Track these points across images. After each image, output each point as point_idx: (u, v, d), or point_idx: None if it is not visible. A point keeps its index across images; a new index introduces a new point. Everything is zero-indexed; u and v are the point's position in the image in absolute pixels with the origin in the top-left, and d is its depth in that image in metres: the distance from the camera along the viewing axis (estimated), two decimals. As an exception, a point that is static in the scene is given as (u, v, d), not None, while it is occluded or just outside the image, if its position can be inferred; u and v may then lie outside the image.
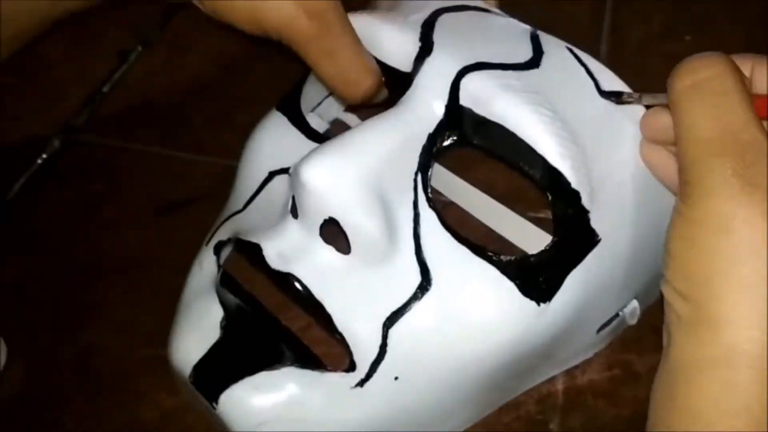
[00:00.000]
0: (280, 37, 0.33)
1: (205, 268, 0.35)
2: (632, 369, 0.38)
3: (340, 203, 0.30)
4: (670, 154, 0.32)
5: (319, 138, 0.36)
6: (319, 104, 0.40)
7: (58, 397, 0.39)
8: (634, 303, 0.36)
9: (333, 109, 0.41)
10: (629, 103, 0.33)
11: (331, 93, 0.39)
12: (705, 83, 0.26)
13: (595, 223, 0.32)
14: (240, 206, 0.36)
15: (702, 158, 0.26)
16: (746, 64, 0.29)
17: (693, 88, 0.27)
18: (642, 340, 0.39)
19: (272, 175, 0.36)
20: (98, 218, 0.45)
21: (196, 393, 0.33)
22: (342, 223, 0.31)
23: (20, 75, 0.52)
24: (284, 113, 0.38)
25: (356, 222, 0.31)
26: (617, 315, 0.36)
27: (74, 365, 0.40)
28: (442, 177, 0.40)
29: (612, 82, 0.34)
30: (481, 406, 0.36)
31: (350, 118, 0.42)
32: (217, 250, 0.35)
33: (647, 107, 0.32)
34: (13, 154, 0.48)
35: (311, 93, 0.40)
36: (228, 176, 0.47)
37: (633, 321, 0.37)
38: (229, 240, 0.35)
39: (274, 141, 0.37)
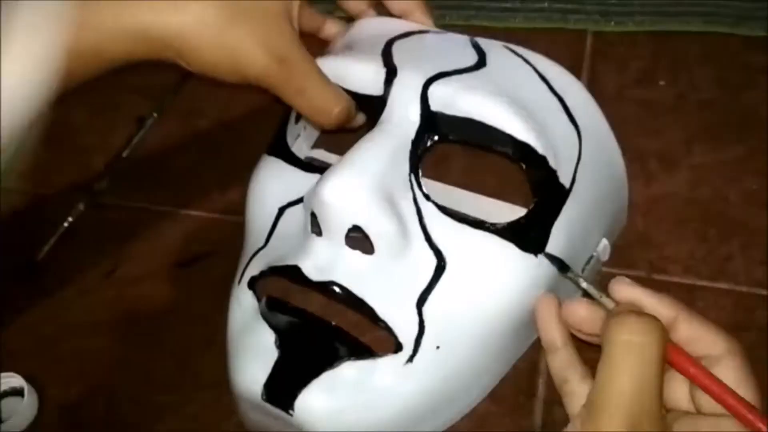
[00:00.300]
0: (258, 83, 0.38)
1: (243, 303, 0.40)
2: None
3: (361, 211, 0.36)
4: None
5: (314, 168, 0.41)
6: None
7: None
8: (605, 242, 0.43)
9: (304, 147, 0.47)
10: (569, 278, 0.38)
11: (310, 123, 0.45)
12: (637, 347, 0.32)
13: (562, 179, 0.39)
14: (261, 243, 0.41)
15: (610, 405, 0.32)
16: (673, 310, 0.35)
17: (627, 345, 0.32)
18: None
19: (282, 210, 0.41)
20: (119, 275, 0.50)
21: (269, 411, 0.37)
22: (365, 228, 0.36)
23: (47, 142, 0.56)
24: (276, 156, 0.43)
25: (377, 224, 0.36)
26: (593, 255, 0.42)
27: (99, 413, 0.44)
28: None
29: (547, 66, 0.41)
30: (508, 359, 0.42)
31: (320, 154, 0.47)
32: (251, 284, 0.40)
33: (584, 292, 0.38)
34: (40, 218, 0.53)
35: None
36: (237, 231, 0.51)
37: (605, 257, 0.43)
38: (261, 273, 0.39)
39: (274, 181, 0.42)
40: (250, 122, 0.56)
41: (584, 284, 0.37)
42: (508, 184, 0.47)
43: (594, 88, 0.44)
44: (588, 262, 0.42)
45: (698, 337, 0.34)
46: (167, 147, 0.56)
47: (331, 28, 0.46)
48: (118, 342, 0.47)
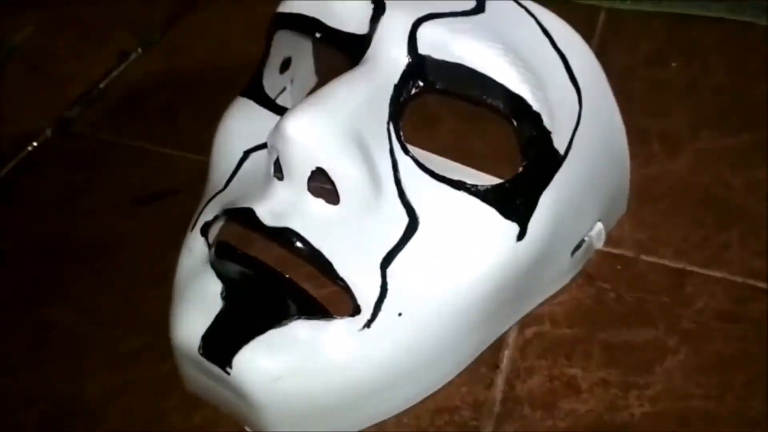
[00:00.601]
0: None
1: (194, 250, 0.37)
2: (574, 383, 0.37)
3: (326, 151, 0.32)
4: None
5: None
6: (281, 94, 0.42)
7: (9, 366, 0.40)
8: (599, 225, 0.40)
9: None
10: None
11: None
12: None
13: (557, 143, 0.35)
14: (221, 186, 0.38)
15: None
16: None
17: None
18: (590, 356, 0.38)
19: (247, 154, 0.38)
20: (76, 206, 0.48)
21: (207, 368, 0.33)
22: (329, 171, 0.33)
23: (27, 66, 0.55)
24: (249, 97, 0.40)
25: (343, 169, 0.33)
26: (585, 240, 0.39)
27: (30, 340, 0.41)
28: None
29: (551, 20, 0.37)
30: (480, 339, 0.38)
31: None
32: (204, 231, 0.37)
33: None
34: (8, 140, 0.51)
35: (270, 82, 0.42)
36: (204, 173, 0.48)
37: (599, 244, 0.40)
38: (215, 218, 0.36)
39: (243, 123, 0.39)
40: (237, 68, 0.54)
41: None
42: (497, 153, 0.44)
43: (601, 62, 0.41)
44: (578, 246, 0.39)
45: None
46: (147, 84, 0.54)
47: None
48: (65, 272, 0.45)
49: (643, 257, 0.42)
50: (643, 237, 0.42)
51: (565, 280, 0.41)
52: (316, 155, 0.32)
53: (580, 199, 0.37)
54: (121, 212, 0.47)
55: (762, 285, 0.40)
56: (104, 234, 0.46)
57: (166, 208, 0.47)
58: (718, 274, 0.41)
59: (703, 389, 0.37)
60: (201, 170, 0.49)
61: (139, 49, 0.54)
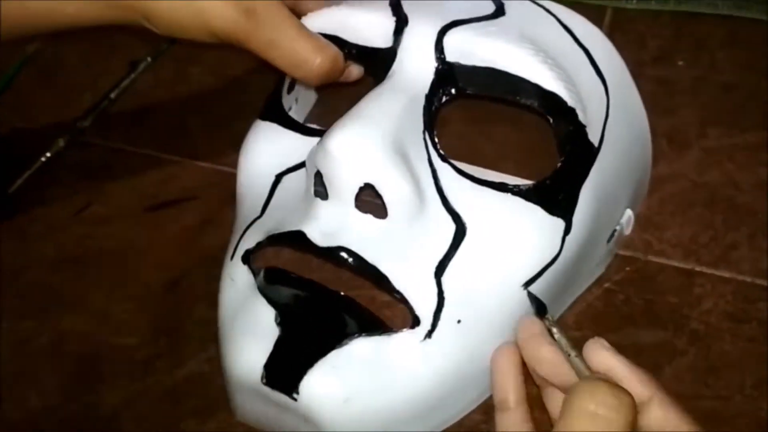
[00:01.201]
0: (228, 39, 0.36)
1: (238, 279, 0.36)
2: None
3: (373, 166, 0.32)
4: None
5: (315, 132, 0.38)
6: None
7: (27, 375, 0.41)
8: (629, 212, 0.40)
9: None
10: (545, 323, 0.34)
11: (296, 81, 0.42)
12: (603, 422, 0.28)
13: (591, 137, 0.36)
14: (257, 213, 0.37)
15: None
16: (648, 389, 0.31)
17: (592, 417, 0.28)
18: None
19: (279, 177, 0.37)
20: (90, 215, 0.48)
21: (270, 397, 0.33)
22: (378, 186, 0.32)
23: (39, 75, 0.56)
24: (271, 120, 0.39)
25: (392, 182, 0.32)
26: (617, 228, 0.39)
27: (47, 349, 0.42)
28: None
29: (570, 16, 0.38)
30: None
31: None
32: (246, 259, 0.36)
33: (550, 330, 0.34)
34: (22, 150, 0.51)
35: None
36: (216, 180, 0.49)
37: (628, 230, 0.41)
38: (258, 244, 0.35)
39: (270, 147, 0.38)
40: (247, 75, 0.54)
41: (557, 335, 0.33)
42: (506, 153, 0.44)
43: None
44: (612, 235, 0.39)
45: (671, 426, 0.30)
46: (158, 92, 0.54)
47: (309, 2, 0.42)
48: (80, 281, 0.45)
49: (651, 258, 0.42)
50: (651, 238, 0.43)
51: (601, 269, 0.41)
52: (363, 171, 0.32)
53: (614, 188, 0.38)
54: (135, 220, 0.47)
55: (769, 285, 0.40)
56: (118, 242, 0.46)
57: (179, 216, 0.46)
58: (726, 274, 0.41)
59: (712, 390, 0.37)
60: (212, 177, 0.50)
61: (149, 58, 0.55)
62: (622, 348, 0.38)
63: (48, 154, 0.50)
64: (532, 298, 0.34)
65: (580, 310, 0.40)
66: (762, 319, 0.39)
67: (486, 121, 0.46)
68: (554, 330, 0.33)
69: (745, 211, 0.43)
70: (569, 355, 0.32)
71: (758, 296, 0.40)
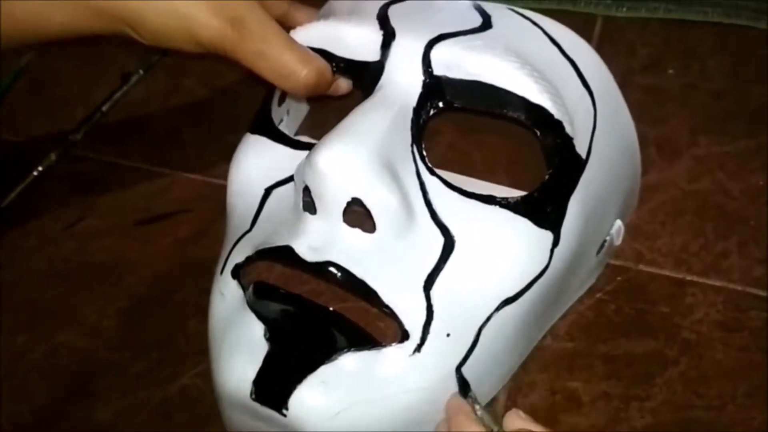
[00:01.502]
0: (215, 49, 0.36)
1: (227, 294, 0.36)
2: (576, 396, 0.38)
3: (361, 181, 0.32)
4: None
5: (304, 146, 0.38)
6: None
7: (21, 391, 0.41)
8: (618, 223, 0.40)
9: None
10: (468, 401, 0.34)
11: (285, 92, 0.42)
12: None
13: (579, 149, 0.36)
14: (247, 227, 0.37)
15: None
16: None
17: None
18: (591, 368, 0.38)
19: (269, 191, 0.37)
20: (82, 228, 0.48)
21: (258, 412, 0.33)
22: (365, 201, 0.32)
23: (31, 89, 0.56)
24: (261, 134, 0.39)
25: (380, 197, 0.33)
26: (606, 239, 0.40)
27: (40, 363, 0.42)
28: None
29: (556, 28, 0.38)
30: (524, 347, 0.39)
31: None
32: (235, 273, 0.36)
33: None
34: (14, 164, 0.52)
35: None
36: (208, 192, 0.49)
37: (619, 241, 0.41)
38: (247, 259, 0.35)
39: (259, 160, 0.38)
40: (238, 87, 0.55)
41: (480, 412, 0.33)
42: (497, 163, 0.44)
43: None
44: (602, 246, 0.39)
45: None
46: (149, 105, 0.54)
47: (298, 15, 0.43)
48: (72, 294, 0.45)
49: (642, 267, 0.42)
50: (642, 247, 0.43)
51: (592, 281, 0.41)
52: (351, 186, 0.32)
53: (602, 199, 0.38)
54: (126, 233, 0.47)
55: (762, 293, 0.40)
56: (110, 255, 0.46)
57: (171, 229, 0.47)
58: (717, 283, 0.41)
59: (704, 400, 0.37)
60: (204, 190, 0.50)
61: (141, 71, 0.55)
62: (613, 358, 0.38)
63: (40, 168, 0.50)
64: (458, 378, 0.34)
65: (572, 320, 0.40)
66: (753, 327, 0.39)
67: (477, 131, 0.46)
68: (476, 408, 0.33)
69: (736, 219, 0.43)
70: (492, 431, 0.32)
71: (749, 305, 0.40)
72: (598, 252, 0.39)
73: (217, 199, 0.46)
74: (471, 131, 0.46)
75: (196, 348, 0.41)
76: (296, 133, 0.44)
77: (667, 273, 0.42)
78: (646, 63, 0.52)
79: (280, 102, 0.42)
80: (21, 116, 0.55)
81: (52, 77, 0.57)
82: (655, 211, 0.44)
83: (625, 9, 0.55)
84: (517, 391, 0.38)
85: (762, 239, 0.42)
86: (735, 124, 0.48)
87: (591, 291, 0.41)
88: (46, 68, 0.58)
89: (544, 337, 0.39)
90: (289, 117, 0.44)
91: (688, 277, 0.41)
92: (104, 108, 0.53)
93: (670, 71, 0.51)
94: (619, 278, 0.41)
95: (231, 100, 0.54)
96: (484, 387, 0.36)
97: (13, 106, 0.56)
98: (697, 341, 0.39)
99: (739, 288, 0.41)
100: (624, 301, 0.41)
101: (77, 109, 0.54)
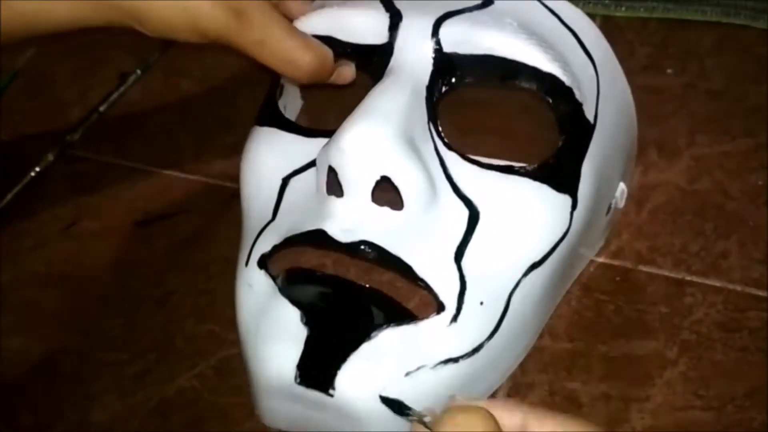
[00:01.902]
0: (218, 39, 0.36)
1: (255, 285, 0.36)
2: (575, 397, 0.37)
3: (388, 159, 0.33)
4: None
5: (316, 133, 0.38)
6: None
7: (18, 392, 0.41)
8: (622, 186, 0.41)
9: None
10: (410, 419, 0.30)
11: (286, 80, 0.42)
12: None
13: (587, 114, 0.37)
14: (269, 217, 0.37)
15: None
16: (515, 415, 0.28)
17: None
18: (590, 369, 0.38)
19: (286, 180, 0.38)
20: (79, 229, 0.48)
21: (303, 396, 0.33)
22: (394, 179, 0.33)
23: (28, 89, 0.56)
24: (269, 125, 0.40)
25: (407, 174, 0.33)
26: (611, 203, 0.41)
27: (38, 365, 0.42)
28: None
29: (552, 1, 0.39)
30: (548, 309, 0.40)
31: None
32: (261, 263, 0.36)
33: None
34: (11, 165, 0.52)
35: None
36: (205, 192, 0.49)
37: (622, 204, 0.42)
38: (274, 248, 0.35)
39: (272, 151, 0.39)
40: (235, 86, 0.55)
41: (427, 419, 0.29)
42: (506, 144, 0.43)
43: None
44: (609, 208, 0.40)
45: None
46: (147, 105, 0.54)
47: (291, 4, 0.42)
48: (69, 296, 0.45)
49: (642, 268, 0.42)
50: (641, 247, 0.43)
51: (601, 243, 0.42)
52: (378, 165, 0.33)
53: (609, 161, 0.39)
54: (125, 234, 0.47)
55: (762, 293, 0.40)
56: (108, 256, 0.46)
57: (169, 230, 0.47)
58: (717, 283, 0.41)
59: (703, 400, 0.37)
60: (201, 190, 0.49)
61: (138, 71, 0.55)
62: (613, 359, 0.38)
63: (37, 169, 0.50)
64: (383, 399, 0.33)
65: (572, 320, 0.40)
66: (753, 328, 0.39)
67: (484, 107, 0.45)
68: (426, 420, 0.29)
69: (736, 219, 0.43)
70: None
71: (749, 305, 0.40)
72: (607, 213, 0.40)
73: (214, 199, 0.46)
74: (479, 111, 0.46)
75: (193, 349, 0.41)
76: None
77: (666, 273, 0.41)
78: (645, 63, 0.52)
79: (279, 95, 0.42)
80: (18, 117, 0.55)
81: (49, 78, 0.58)
82: (654, 210, 0.44)
83: (623, 8, 0.55)
84: (516, 392, 0.38)
85: (761, 239, 0.42)
86: (733, 123, 0.48)
87: (590, 291, 0.41)
88: (43, 69, 0.58)
89: (543, 337, 0.39)
90: (286, 111, 0.43)
91: (688, 278, 0.41)
92: (102, 108, 0.53)
93: (669, 71, 0.51)
94: (618, 278, 0.41)
95: (228, 101, 0.54)
96: (515, 350, 0.38)
97: (10, 107, 0.56)
98: (697, 342, 0.39)
99: (739, 288, 0.40)
100: (623, 301, 0.40)
101: (74, 110, 0.55)
